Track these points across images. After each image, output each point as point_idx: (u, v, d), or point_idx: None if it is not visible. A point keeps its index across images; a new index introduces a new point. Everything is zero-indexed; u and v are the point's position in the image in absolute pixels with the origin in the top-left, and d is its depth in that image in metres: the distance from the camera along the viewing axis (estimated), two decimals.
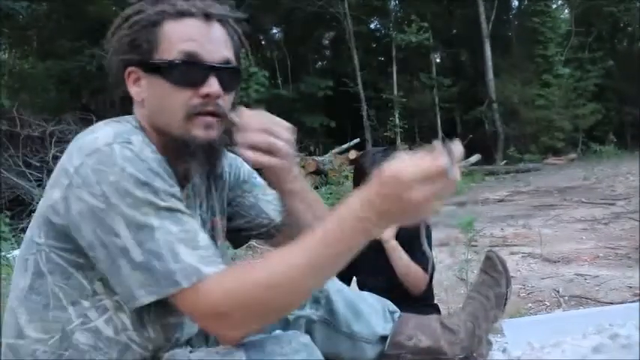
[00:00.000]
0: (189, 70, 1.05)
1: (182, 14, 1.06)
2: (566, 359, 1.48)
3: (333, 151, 11.58)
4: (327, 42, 20.97)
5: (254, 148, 1.08)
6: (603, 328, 1.58)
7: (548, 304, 2.63)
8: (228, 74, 1.08)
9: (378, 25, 19.32)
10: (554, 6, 18.46)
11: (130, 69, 1.09)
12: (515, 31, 19.60)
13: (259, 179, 1.35)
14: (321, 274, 0.97)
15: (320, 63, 20.40)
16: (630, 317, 1.58)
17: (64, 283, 1.04)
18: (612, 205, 5.77)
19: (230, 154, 1.32)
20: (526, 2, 19.43)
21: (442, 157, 0.90)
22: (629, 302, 2.41)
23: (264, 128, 1.08)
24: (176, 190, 1.02)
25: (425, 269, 1.87)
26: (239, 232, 1.34)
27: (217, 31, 1.08)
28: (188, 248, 0.96)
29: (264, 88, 12.29)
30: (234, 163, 1.32)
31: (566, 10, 20.24)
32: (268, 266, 0.96)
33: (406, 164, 0.88)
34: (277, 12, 16.74)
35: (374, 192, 0.90)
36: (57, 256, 1.04)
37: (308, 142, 13.16)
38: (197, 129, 1.06)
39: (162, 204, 0.97)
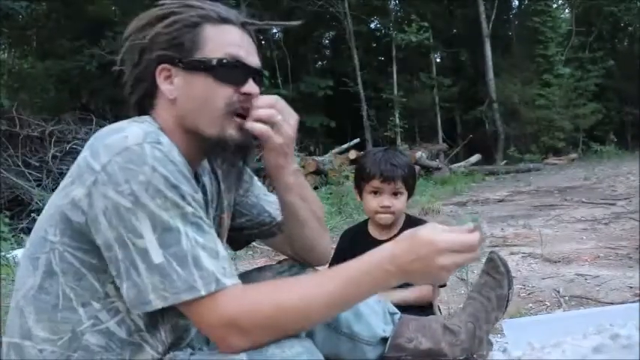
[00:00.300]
0: (234, 70, 1.12)
1: (224, 20, 1.13)
2: (567, 359, 1.47)
3: (333, 151, 11.57)
4: (327, 42, 20.97)
5: (258, 120, 1.14)
6: (604, 328, 1.57)
7: (548, 304, 2.62)
8: (259, 78, 1.17)
9: (378, 25, 19.31)
10: (554, 5, 18.47)
11: (162, 66, 1.11)
12: (515, 31, 19.62)
13: (257, 180, 1.40)
14: (336, 309, 1.06)
15: (320, 63, 20.40)
16: (631, 317, 1.57)
17: (75, 284, 1.03)
18: (613, 205, 5.76)
19: None
20: (526, 2, 19.43)
21: (476, 234, 1.00)
22: (630, 302, 2.40)
23: (272, 105, 1.15)
24: (200, 196, 1.04)
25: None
26: (241, 230, 1.37)
27: (250, 40, 1.18)
28: (210, 257, 0.98)
29: (264, 88, 12.17)
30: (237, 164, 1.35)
31: (567, 10, 20.26)
32: (296, 291, 1.01)
33: (442, 232, 1.01)
34: (277, 12, 16.72)
35: (406, 250, 1.01)
36: (71, 256, 1.03)
37: (308, 142, 13.17)
38: (231, 129, 1.12)
39: (189, 209, 0.99)
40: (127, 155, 0.98)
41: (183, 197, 0.99)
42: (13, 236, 4.69)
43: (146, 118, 1.12)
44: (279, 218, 1.36)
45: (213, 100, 1.11)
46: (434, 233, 1.00)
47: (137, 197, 0.96)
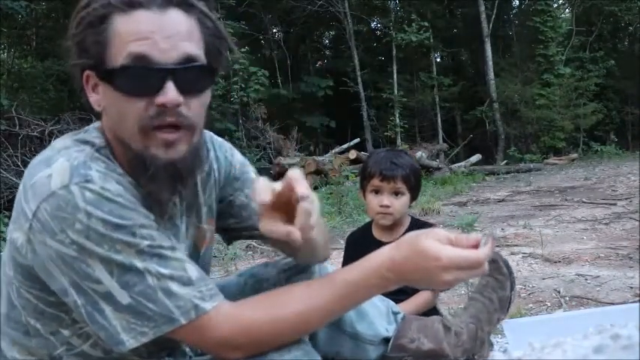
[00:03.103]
0: (139, 76, 0.89)
1: (131, 5, 0.89)
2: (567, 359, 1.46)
3: (333, 151, 11.58)
4: (327, 42, 20.95)
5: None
6: (604, 328, 1.56)
7: (549, 304, 2.61)
8: (191, 74, 0.92)
9: (378, 25, 19.30)
10: (555, 5, 18.43)
11: (86, 73, 0.95)
12: (515, 31, 19.58)
13: (252, 173, 1.22)
14: (335, 316, 1.02)
15: (320, 63, 20.37)
16: (631, 318, 1.56)
17: (38, 316, 0.98)
18: (613, 205, 5.75)
19: (219, 143, 1.19)
20: (527, 1, 19.40)
21: (484, 250, 0.94)
22: (631, 302, 2.39)
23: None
24: (151, 219, 0.94)
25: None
26: (226, 231, 1.25)
27: (176, 22, 0.91)
28: (182, 286, 0.91)
29: (264, 88, 12.28)
30: (223, 156, 1.19)
31: (567, 10, 20.23)
32: (293, 305, 0.97)
33: (448, 246, 0.91)
34: (277, 12, 16.70)
35: (408, 259, 0.93)
36: (26, 293, 0.97)
37: (308, 142, 13.15)
38: (155, 147, 0.92)
39: (144, 243, 0.90)
40: (54, 202, 0.87)
41: (133, 234, 0.89)
42: None
43: (91, 131, 1.01)
44: None
45: (125, 116, 0.91)
46: (440, 248, 0.91)
47: (81, 246, 0.87)
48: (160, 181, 0.95)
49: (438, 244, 0.92)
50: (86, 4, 0.92)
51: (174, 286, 0.91)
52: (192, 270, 0.95)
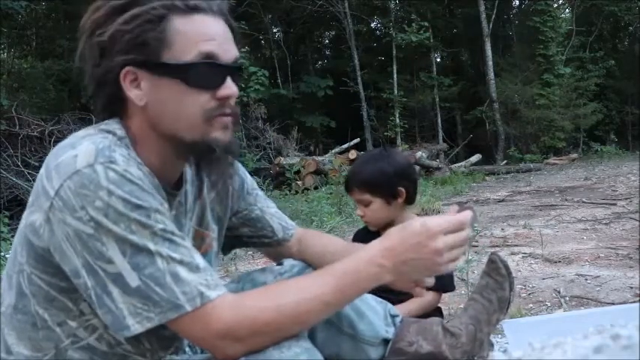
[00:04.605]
0: (208, 72, 1.00)
1: (192, 9, 0.99)
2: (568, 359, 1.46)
3: (333, 151, 11.59)
4: (327, 42, 20.95)
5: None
6: (604, 328, 1.56)
7: (549, 304, 2.61)
8: (238, 73, 1.06)
9: (378, 25, 19.30)
10: (555, 5, 18.43)
11: (127, 69, 0.98)
12: (515, 31, 19.59)
13: (259, 190, 1.36)
14: (334, 309, 1.05)
15: (320, 63, 20.38)
16: (632, 318, 1.56)
17: (47, 305, 1.00)
18: (613, 205, 5.75)
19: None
20: (527, 1, 19.41)
21: (465, 212, 1.03)
22: (631, 303, 2.39)
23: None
24: (166, 207, 0.98)
25: (436, 289, 1.82)
26: (239, 238, 1.34)
27: (226, 28, 1.04)
28: (190, 272, 0.94)
29: (264, 88, 12.28)
30: (238, 173, 1.30)
31: (567, 10, 20.23)
32: (294, 296, 0.99)
33: (432, 217, 1.01)
34: (277, 12, 16.71)
35: (399, 242, 1.00)
36: (38, 279, 0.99)
37: (308, 142, 13.16)
38: (216, 131, 1.02)
39: (158, 226, 0.93)
40: (78, 179, 0.91)
41: (148, 216, 0.93)
42: (12, 237, 4.68)
43: (111, 123, 1.03)
44: (281, 235, 1.35)
45: (188, 108, 1.00)
46: (425, 219, 1.01)
47: (98, 223, 0.90)
48: (224, 162, 1.06)
49: (423, 219, 1.02)
50: (134, 2, 0.97)
51: (183, 271, 0.93)
52: (200, 259, 0.97)
